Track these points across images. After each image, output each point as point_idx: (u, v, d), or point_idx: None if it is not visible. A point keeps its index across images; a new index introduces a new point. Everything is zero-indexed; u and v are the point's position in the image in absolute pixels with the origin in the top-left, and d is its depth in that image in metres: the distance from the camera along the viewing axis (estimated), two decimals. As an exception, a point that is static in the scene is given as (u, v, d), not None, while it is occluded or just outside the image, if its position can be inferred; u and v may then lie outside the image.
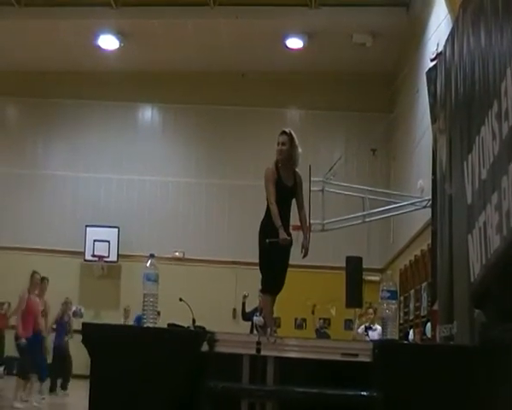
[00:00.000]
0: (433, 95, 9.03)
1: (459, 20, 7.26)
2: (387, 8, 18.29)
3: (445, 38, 8.32)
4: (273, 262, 6.77)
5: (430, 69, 9.50)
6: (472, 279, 5.94)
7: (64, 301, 15.20)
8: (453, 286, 6.95)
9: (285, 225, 6.83)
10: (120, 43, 19.96)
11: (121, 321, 16.36)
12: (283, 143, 7.06)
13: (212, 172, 21.22)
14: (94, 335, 5.40)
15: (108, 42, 20.07)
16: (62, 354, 14.76)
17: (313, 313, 17.28)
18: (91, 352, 5.28)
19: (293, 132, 7.11)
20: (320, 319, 17.85)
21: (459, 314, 6.61)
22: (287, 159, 7.03)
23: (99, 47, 20.17)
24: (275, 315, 15.31)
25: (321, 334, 16.91)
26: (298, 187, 7.13)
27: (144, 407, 5.01)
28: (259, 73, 20.66)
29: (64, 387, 14.98)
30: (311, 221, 14.89)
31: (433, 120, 8.96)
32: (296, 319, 19.49)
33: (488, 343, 4.90)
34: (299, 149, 7.09)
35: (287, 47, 19.82)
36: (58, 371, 14.81)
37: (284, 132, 7.11)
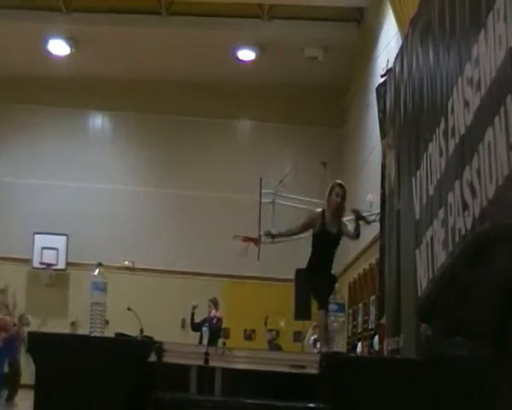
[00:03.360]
0: (382, 110, 9.16)
1: (408, 37, 7.39)
2: (339, 22, 18.46)
3: (395, 54, 8.44)
4: None
5: (380, 85, 9.64)
6: (419, 294, 6.03)
7: (19, 317, 14.97)
8: (400, 300, 7.05)
9: (327, 270, 7.10)
10: (71, 48, 19.72)
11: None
12: (342, 197, 7.16)
13: (163, 182, 21.13)
14: (40, 344, 5.34)
15: (59, 47, 19.77)
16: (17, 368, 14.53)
17: (266, 324, 17.30)
18: (37, 361, 5.22)
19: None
20: (270, 330, 17.87)
21: (406, 328, 6.70)
22: (341, 211, 7.16)
23: (49, 52, 19.91)
24: (224, 326, 15.32)
25: (272, 346, 16.94)
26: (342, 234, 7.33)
27: (91, 418, 4.97)
28: (211, 84, 20.65)
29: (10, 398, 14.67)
30: (262, 233, 14.98)
31: (383, 135, 9.09)
32: (245, 330, 19.49)
33: (433, 357, 4.98)
34: None
35: (238, 59, 19.85)
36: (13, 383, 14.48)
37: (341, 186, 7.37)
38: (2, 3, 18.22)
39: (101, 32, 19.11)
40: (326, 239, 7.16)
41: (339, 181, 7.47)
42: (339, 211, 7.27)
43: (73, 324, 16.85)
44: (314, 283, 7.03)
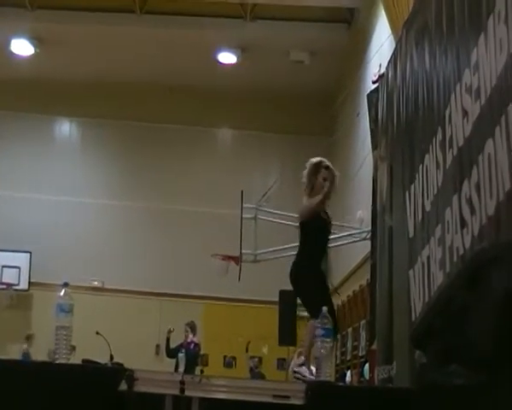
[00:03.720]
0: (374, 119, 9.20)
1: (402, 40, 7.43)
2: (327, 24, 18.51)
3: (388, 58, 8.50)
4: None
5: (371, 92, 9.69)
6: (413, 318, 6.06)
7: None
8: (393, 324, 7.07)
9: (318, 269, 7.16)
10: (35, 49, 19.65)
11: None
12: (331, 182, 7.19)
13: (136, 195, 21.09)
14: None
15: (22, 47, 19.68)
16: None
17: (247, 350, 17.29)
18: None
19: None
20: (252, 357, 17.86)
21: (399, 355, 6.72)
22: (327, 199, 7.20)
23: (11, 53, 19.82)
24: (202, 352, 15.28)
25: (255, 374, 16.92)
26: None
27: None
28: (189, 89, 20.68)
29: None
30: (243, 251, 14.99)
31: (374, 146, 9.14)
32: (225, 357, 19.45)
33: (428, 387, 4.99)
34: None
35: (219, 62, 19.89)
36: None
37: (329, 168, 7.21)
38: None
39: (69, 31, 19.05)
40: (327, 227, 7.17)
41: (323, 160, 7.32)
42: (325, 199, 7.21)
43: (29, 337, 16.75)
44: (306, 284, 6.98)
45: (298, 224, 7.31)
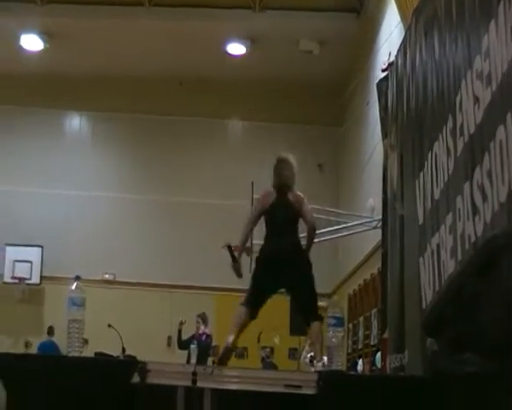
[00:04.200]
0: (384, 108, 9.17)
1: (411, 28, 7.40)
2: (336, 13, 18.44)
3: (398, 46, 8.46)
4: None
5: (381, 80, 9.65)
6: (424, 306, 6.03)
7: None
8: (404, 313, 7.04)
9: None
10: (45, 43, 19.70)
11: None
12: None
13: (146, 187, 21.09)
14: (10, 366, 5.30)
15: (32, 42, 19.72)
16: None
17: (259, 341, 17.27)
18: (7, 386, 5.18)
19: None
20: (264, 347, 17.85)
21: (411, 343, 6.70)
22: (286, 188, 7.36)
23: (21, 47, 19.86)
24: (214, 343, 15.27)
25: (267, 364, 16.92)
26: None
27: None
28: (198, 81, 20.65)
29: None
30: (254, 242, 14.95)
31: (384, 134, 9.10)
32: (237, 348, 19.44)
33: (440, 375, 4.97)
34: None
35: (228, 53, 19.85)
36: None
37: (282, 160, 7.53)
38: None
39: (79, 25, 19.07)
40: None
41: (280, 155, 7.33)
42: (281, 188, 7.18)
43: (50, 330, 16.81)
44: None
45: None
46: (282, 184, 7.15)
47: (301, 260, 6.96)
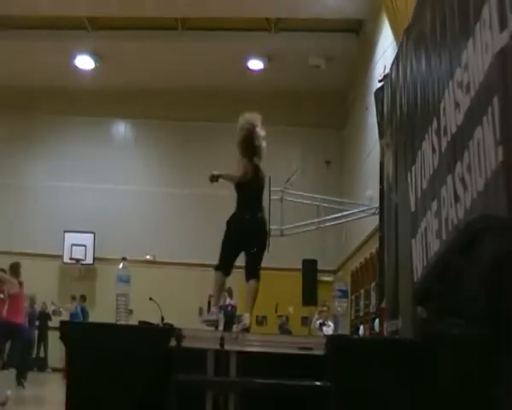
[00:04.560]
0: (380, 112, 9.11)
1: (403, 45, 7.35)
2: (340, 33, 18.50)
3: (391, 61, 8.41)
4: None
5: (378, 89, 9.59)
6: (415, 279, 6.01)
7: (30, 297, 14.32)
8: (398, 286, 7.02)
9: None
10: (96, 63, 19.93)
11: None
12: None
13: (181, 183, 21.17)
14: (71, 332, 5.36)
15: (85, 62, 20.01)
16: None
17: (276, 311, 17.29)
18: (68, 348, 5.24)
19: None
20: (280, 316, 17.87)
21: (403, 311, 6.68)
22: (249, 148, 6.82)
23: (76, 67, 20.08)
24: (238, 312, 15.26)
25: (283, 330, 16.96)
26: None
27: (118, 397, 4.98)
28: (224, 92, 20.65)
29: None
30: (272, 227, 14.96)
31: (381, 135, 9.05)
32: (257, 317, 19.47)
33: (429, 337, 4.97)
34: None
35: (248, 68, 19.93)
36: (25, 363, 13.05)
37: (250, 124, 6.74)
38: (35, 24, 18.41)
39: (123, 47, 19.21)
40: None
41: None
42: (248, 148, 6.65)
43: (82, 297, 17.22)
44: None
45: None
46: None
47: (264, 231, 6.84)
